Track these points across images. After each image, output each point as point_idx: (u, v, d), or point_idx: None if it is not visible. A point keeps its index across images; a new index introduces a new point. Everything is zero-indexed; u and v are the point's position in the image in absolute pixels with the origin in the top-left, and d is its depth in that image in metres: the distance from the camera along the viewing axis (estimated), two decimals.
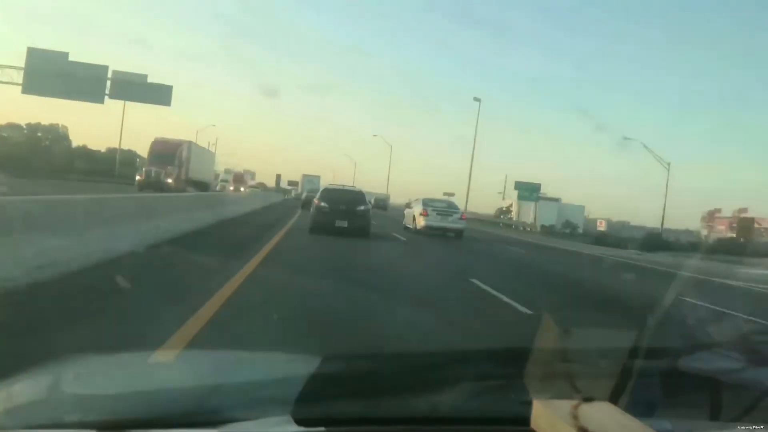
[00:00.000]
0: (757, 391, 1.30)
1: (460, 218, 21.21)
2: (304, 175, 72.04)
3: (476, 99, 45.10)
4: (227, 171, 67.79)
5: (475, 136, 47.27)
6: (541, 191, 62.91)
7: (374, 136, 65.85)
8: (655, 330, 1.54)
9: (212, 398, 1.11)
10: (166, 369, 1.59)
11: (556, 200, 62.64)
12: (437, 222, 20.50)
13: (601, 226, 59.48)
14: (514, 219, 58.33)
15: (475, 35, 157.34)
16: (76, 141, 70.86)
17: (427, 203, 21.40)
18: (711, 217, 60.21)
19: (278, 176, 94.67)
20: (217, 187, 39.70)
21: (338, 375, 1.22)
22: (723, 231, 53.51)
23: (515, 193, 62.30)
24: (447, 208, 21.37)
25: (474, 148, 45.78)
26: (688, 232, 55.55)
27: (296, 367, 1.28)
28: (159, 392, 1.18)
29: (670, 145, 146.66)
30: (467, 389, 1.17)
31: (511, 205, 64.58)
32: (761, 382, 1.33)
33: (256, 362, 1.60)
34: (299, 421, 1.01)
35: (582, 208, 63.05)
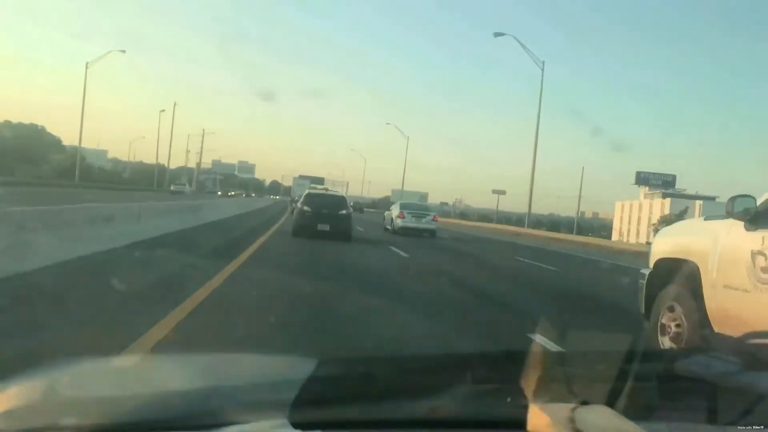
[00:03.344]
0: (754, 394, 1.30)
1: (433, 220, 23.97)
2: (296, 178, 61.63)
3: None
4: None
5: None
6: (676, 186, 42.14)
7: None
8: None
9: (208, 401, 1.10)
10: (161, 372, 1.58)
11: (712, 199, 42.38)
12: (412, 223, 23.11)
13: None
14: None
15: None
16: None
17: (403, 207, 24.34)
18: None
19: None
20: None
21: (335, 378, 1.22)
22: None
23: (628, 190, 38.20)
24: (421, 211, 24.30)
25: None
26: None
27: (293, 370, 1.28)
28: (155, 395, 1.18)
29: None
30: (464, 392, 1.16)
31: (685, 211, 38.30)
32: (758, 385, 1.33)
33: (252, 365, 1.60)
34: (296, 425, 1.01)
35: None
